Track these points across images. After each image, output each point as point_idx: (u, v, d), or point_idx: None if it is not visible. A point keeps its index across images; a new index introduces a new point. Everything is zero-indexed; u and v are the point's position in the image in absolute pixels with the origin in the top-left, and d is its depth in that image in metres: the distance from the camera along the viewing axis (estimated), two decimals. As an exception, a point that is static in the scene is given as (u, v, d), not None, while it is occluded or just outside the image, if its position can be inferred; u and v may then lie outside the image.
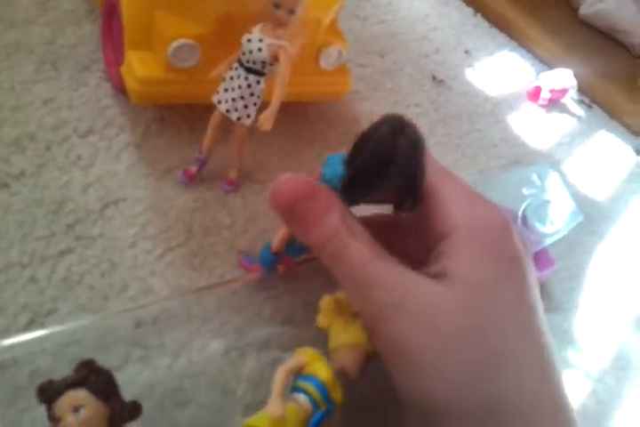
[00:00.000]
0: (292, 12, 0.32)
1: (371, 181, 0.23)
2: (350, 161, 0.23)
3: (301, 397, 0.25)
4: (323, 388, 0.25)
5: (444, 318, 0.21)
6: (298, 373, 0.26)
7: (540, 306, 0.23)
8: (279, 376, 0.25)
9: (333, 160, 0.25)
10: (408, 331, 0.21)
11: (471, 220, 0.23)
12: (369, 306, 0.22)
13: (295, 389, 0.25)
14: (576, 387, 0.38)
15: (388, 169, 0.22)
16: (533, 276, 0.23)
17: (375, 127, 0.22)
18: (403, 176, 0.22)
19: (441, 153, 0.51)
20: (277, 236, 0.30)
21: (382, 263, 0.22)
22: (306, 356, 0.26)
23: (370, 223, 0.26)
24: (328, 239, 0.22)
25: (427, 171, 0.23)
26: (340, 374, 0.26)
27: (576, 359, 0.38)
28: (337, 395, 0.25)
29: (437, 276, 0.22)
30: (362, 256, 0.22)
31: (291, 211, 0.23)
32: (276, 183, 0.23)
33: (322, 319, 0.29)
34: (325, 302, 0.29)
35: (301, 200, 0.22)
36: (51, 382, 0.21)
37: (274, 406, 0.23)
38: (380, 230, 0.25)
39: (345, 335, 0.27)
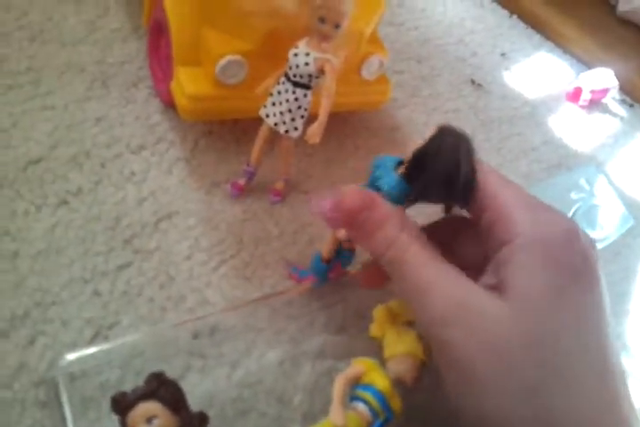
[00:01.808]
0: (337, 26, 0.32)
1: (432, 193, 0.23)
2: (412, 175, 0.23)
3: (360, 406, 0.25)
4: (381, 397, 0.25)
5: (499, 333, 0.21)
6: (355, 382, 0.26)
7: (605, 316, 0.22)
8: (338, 385, 0.26)
9: (383, 162, 0.25)
10: (460, 341, 0.21)
11: (533, 225, 0.22)
12: (423, 313, 0.23)
13: (354, 398, 0.26)
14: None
15: (452, 185, 0.23)
16: (600, 284, 0.22)
17: (437, 145, 0.23)
18: (463, 189, 0.23)
19: (482, 158, 0.50)
20: (326, 244, 0.31)
21: (437, 269, 0.23)
22: (363, 365, 0.27)
23: (431, 229, 0.26)
24: (387, 246, 0.23)
25: (487, 179, 0.24)
26: (396, 383, 0.26)
27: (628, 365, 0.38)
28: (395, 404, 0.26)
29: (494, 288, 0.22)
30: (418, 262, 0.23)
31: (353, 220, 0.24)
32: (338, 194, 0.24)
33: (375, 329, 0.30)
34: (378, 311, 0.30)
35: (363, 210, 0.23)
36: (123, 394, 0.22)
37: (336, 415, 0.24)
38: (441, 236, 0.26)
39: (399, 345, 0.28)
